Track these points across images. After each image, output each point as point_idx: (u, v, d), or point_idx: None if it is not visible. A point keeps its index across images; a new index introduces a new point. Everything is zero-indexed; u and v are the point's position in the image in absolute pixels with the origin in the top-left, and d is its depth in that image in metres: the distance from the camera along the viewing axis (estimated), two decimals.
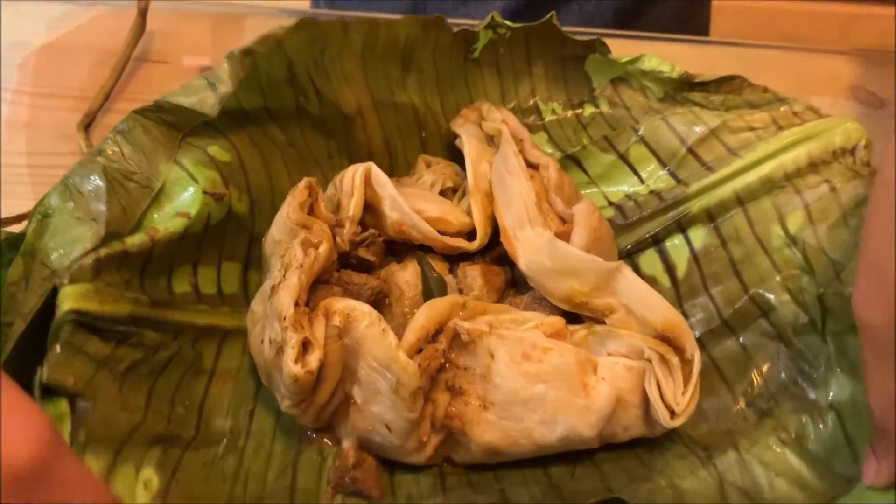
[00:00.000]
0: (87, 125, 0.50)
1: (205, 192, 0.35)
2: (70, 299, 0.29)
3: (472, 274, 0.38)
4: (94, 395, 0.29)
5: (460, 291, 0.38)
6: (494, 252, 0.40)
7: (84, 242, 0.31)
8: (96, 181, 0.33)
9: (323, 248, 0.34)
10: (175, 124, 0.36)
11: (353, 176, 0.38)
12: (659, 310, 0.34)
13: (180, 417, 0.32)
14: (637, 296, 0.34)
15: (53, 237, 0.32)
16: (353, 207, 0.37)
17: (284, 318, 0.31)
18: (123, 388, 0.30)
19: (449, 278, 0.38)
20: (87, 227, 0.32)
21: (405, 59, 0.44)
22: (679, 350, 0.34)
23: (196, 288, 0.37)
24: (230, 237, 0.38)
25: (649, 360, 0.33)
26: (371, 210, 0.39)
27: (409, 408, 0.31)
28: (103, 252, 0.31)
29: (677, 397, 0.33)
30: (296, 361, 0.30)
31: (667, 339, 0.34)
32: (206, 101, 0.36)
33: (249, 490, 0.32)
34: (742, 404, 0.36)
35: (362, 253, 0.37)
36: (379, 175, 0.38)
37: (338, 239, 0.36)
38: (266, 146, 0.41)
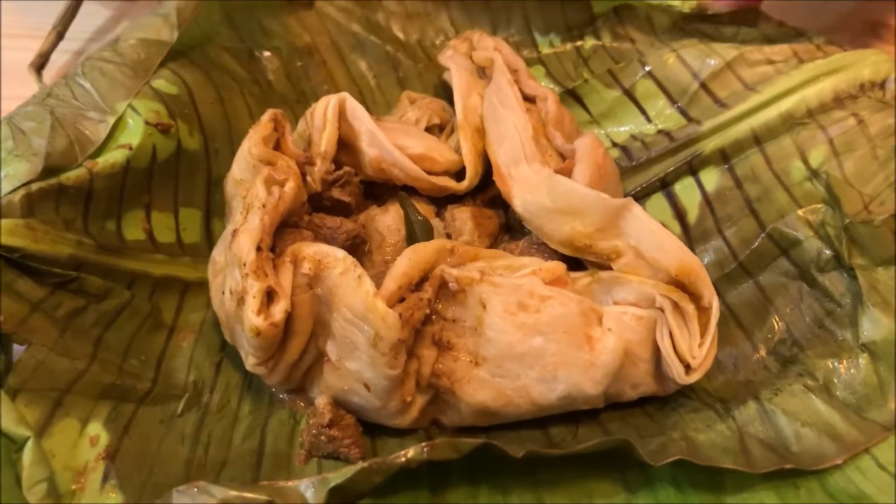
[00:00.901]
0: (39, 66, 0.45)
1: (147, 123, 0.32)
2: None
3: (462, 217, 0.34)
4: (29, 339, 0.26)
5: (448, 236, 0.34)
6: (486, 193, 0.36)
7: (19, 177, 0.29)
8: (40, 118, 0.30)
9: (289, 187, 0.30)
10: (139, 61, 0.34)
11: (325, 108, 0.34)
12: (673, 252, 0.30)
13: (134, 370, 0.29)
14: (648, 236, 0.30)
15: None
16: (325, 142, 0.33)
17: (245, 265, 0.27)
18: (65, 335, 0.28)
19: (436, 222, 0.35)
20: (25, 162, 0.29)
21: None
22: (695, 297, 0.30)
23: (151, 235, 0.33)
24: (184, 178, 0.35)
25: (661, 309, 0.29)
26: (347, 148, 0.35)
27: (390, 364, 0.27)
28: (35, 187, 0.28)
29: (693, 349, 0.29)
30: (258, 313, 0.27)
31: (681, 285, 0.30)
32: (163, 31, 0.34)
33: (212, 453, 0.29)
34: (762, 352, 0.33)
35: (337, 194, 0.33)
36: (355, 108, 0.34)
37: (308, 178, 0.32)
38: (223, 82, 0.37)
